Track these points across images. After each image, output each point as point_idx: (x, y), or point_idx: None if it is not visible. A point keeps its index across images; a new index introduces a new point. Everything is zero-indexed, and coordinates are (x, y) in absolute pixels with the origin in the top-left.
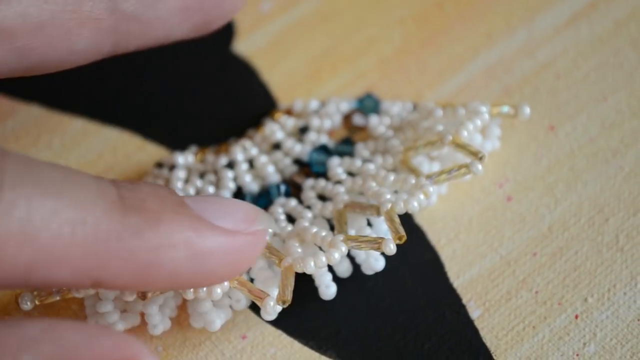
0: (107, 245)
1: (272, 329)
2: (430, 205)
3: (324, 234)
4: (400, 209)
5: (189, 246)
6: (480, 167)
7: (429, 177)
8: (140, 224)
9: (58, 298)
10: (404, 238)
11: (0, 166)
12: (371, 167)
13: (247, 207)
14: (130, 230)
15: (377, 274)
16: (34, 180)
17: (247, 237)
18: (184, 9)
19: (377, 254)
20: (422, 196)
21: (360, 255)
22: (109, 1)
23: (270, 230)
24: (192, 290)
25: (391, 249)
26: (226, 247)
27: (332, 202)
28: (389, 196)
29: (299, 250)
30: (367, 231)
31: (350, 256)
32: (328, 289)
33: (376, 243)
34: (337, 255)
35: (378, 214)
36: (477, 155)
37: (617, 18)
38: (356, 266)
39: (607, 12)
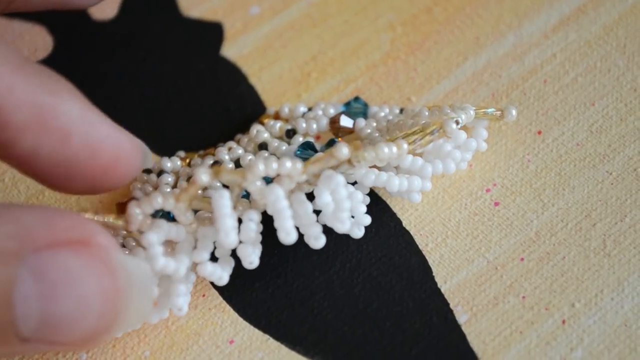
0: (10, 71)
1: (259, 334)
2: (414, 200)
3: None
4: (370, 154)
5: (81, 111)
6: (454, 125)
7: (401, 137)
8: (42, 72)
9: None
10: (360, 146)
11: None
12: None
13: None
14: (31, 70)
15: (364, 278)
16: None
17: (132, 138)
18: None
19: (343, 196)
20: (394, 147)
21: (328, 208)
22: None
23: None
24: None
25: (343, 152)
26: (115, 133)
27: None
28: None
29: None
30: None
31: (344, 258)
32: (288, 235)
33: (331, 153)
34: (289, 163)
35: (348, 161)
36: (452, 118)
37: (605, 23)
38: (344, 271)
39: (595, 18)
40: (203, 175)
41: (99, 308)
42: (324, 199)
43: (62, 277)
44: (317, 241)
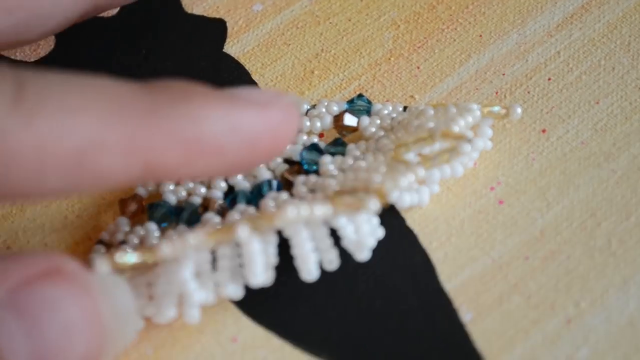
0: (144, 123)
1: (262, 332)
2: (423, 203)
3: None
4: (389, 186)
5: (227, 117)
6: (468, 147)
7: (417, 164)
8: (171, 101)
9: None
10: (387, 200)
11: (16, 76)
12: (362, 164)
13: (272, 90)
14: (163, 106)
15: (368, 277)
16: (53, 83)
17: (280, 109)
18: None
19: (367, 231)
20: (412, 177)
21: (350, 237)
22: None
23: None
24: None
25: (372, 206)
26: (263, 118)
27: (322, 192)
28: (379, 179)
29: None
30: (350, 229)
31: (346, 257)
32: (309, 272)
33: (359, 202)
34: (319, 211)
35: (367, 191)
36: (463, 138)
37: (609, 21)
38: (347, 269)
39: (599, 16)
40: (242, 231)
41: (85, 331)
42: (347, 230)
43: (43, 308)
44: (332, 265)
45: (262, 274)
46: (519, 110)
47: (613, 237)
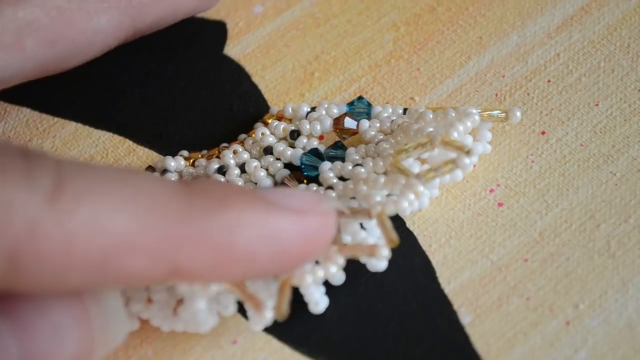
0: (178, 227)
1: (262, 335)
2: (423, 207)
3: None
4: (391, 210)
5: (262, 225)
6: (467, 160)
7: (418, 176)
8: (208, 205)
9: None
10: (397, 242)
11: (57, 169)
12: (362, 170)
13: (310, 192)
14: (199, 210)
15: (368, 279)
16: (92, 179)
17: (317, 216)
18: None
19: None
20: (412, 196)
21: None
22: None
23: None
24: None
25: (384, 255)
26: (299, 226)
27: None
28: (379, 198)
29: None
30: (362, 235)
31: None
32: (317, 306)
33: (370, 250)
34: (335, 269)
35: (369, 217)
36: (463, 150)
37: (609, 23)
38: (348, 272)
39: (599, 18)
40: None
41: (74, 332)
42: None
43: (33, 310)
44: (337, 283)
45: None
46: (519, 113)
47: (612, 239)
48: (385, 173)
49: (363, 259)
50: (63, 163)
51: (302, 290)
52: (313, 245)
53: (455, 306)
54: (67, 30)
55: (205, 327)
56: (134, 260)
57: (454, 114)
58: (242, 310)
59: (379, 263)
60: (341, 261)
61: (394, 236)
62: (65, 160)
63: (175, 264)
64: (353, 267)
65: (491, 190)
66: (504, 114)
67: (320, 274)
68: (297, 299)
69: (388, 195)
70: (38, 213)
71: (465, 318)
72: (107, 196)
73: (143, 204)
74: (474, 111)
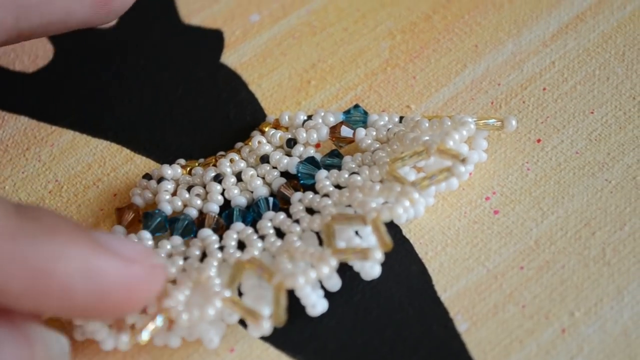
0: (3, 243)
1: (259, 342)
2: (418, 215)
3: (312, 250)
4: (386, 216)
5: (83, 261)
6: (463, 169)
7: (413, 184)
8: (35, 230)
9: None
10: (390, 246)
11: None
12: (358, 179)
13: (143, 245)
14: (25, 233)
15: (364, 287)
16: None
17: (144, 268)
18: None
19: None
20: (407, 203)
21: (356, 264)
22: None
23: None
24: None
25: (377, 258)
26: (122, 272)
27: (320, 216)
28: (374, 205)
29: (289, 266)
30: (356, 241)
31: (341, 267)
32: (314, 309)
33: (363, 254)
34: (327, 270)
35: (364, 223)
36: (458, 158)
37: (604, 31)
38: (344, 279)
39: (594, 26)
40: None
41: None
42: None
43: None
44: (334, 289)
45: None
46: (514, 122)
47: (607, 246)
48: (381, 181)
49: (357, 267)
50: None
51: (298, 293)
52: (135, 294)
53: (452, 314)
54: None
55: (215, 343)
56: None
57: (449, 123)
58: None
59: (372, 270)
60: (334, 263)
61: (388, 240)
62: None
63: None
64: (349, 275)
65: (487, 198)
66: (499, 123)
67: (313, 275)
68: (295, 307)
69: (384, 203)
70: None
71: (462, 326)
72: None
73: None
74: (470, 120)
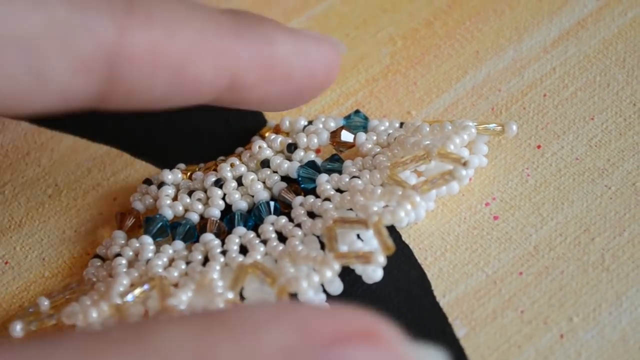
0: (231, 39)
1: None
2: (419, 219)
3: (314, 254)
4: (388, 220)
5: (294, 43)
6: (464, 172)
7: (414, 187)
8: (251, 24)
9: (53, 322)
10: (392, 249)
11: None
12: (359, 182)
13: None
14: (245, 28)
15: (363, 291)
16: (161, 2)
17: (332, 45)
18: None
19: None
20: (408, 206)
21: (358, 267)
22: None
23: None
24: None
25: (380, 262)
26: (322, 49)
27: (321, 219)
28: (375, 208)
29: (292, 270)
30: (358, 245)
31: (342, 271)
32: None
33: (365, 257)
34: (329, 274)
35: (366, 227)
36: (460, 162)
37: (605, 38)
38: (343, 283)
39: (595, 32)
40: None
41: None
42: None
43: None
44: (336, 292)
45: None
46: (515, 127)
47: (606, 252)
48: (382, 185)
49: (359, 270)
50: None
51: (301, 297)
52: (330, 71)
53: (450, 319)
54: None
55: None
56: (203, 68)
57: (450, 127)
58: None
59: (374, 273)
60: (337, 267)
61: (390, 244)
62: None
63: (233, 75)
64: (348, 280)
65: (487, 204)
66: (500, 128)
67: (316, 279)
68: None
69: (385, 206)
70: (124, 21)
71: (460, 331)
72: (174, 8)
73: (204, 19)
74: (471, 124)
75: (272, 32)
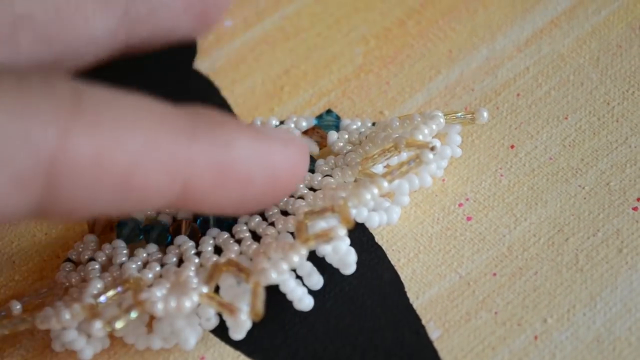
0: (186, 143)
1: (230, 350)
2: (392, 222)
3: (282, 243)
4: (354, 203)
5: (256, 147)
6: (431, 155)
7: (384, 176)
8: (210, 125)
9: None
10: (352, 223)
11: (74, 89)
12: (331, 181)
13: (284, 129)
14: (203, 129)
15: (336, 293)
16: (107, 100)
17: (298, 147)
18: None
19: (345, 251)
20: (375, 190)
21: (331, 256)
22: None
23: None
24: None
25: (340, 234)
26: (286, 153)
27: (294, 216)
28: (343, 194)
29: (266, 265)
30: (322, 225)
31: (318, 270)
32: (301, 302)
33: (327, 234)
34: (296, 258)
35: (333, 211)
36: (427, 146)
37: (578, 36)
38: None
39: (568, 31)
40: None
41: None
42: (327, 250)
43: None
44: (317, 287)
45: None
46: (485, 114)
47: (580, 252)
48: (355, 181)
49: (331, 259)
50: (77, 82)
51: (283, 289)
52: (295, 175)
53: (424, 321)
54: (62, 31)
55: (190, 344)
56: (153, 175)
57: (419, 119)
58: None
59: (347, 258)
60: (304, 251)
61: (351, 219)
62: (79, 82)
63: (186, 181)
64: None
65: (460, 204)
66: (470, 115)
67: (284, 266)
68: (266, 315)
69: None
70: (68, 124)
71: (434, 333)
72: (123, 111)
73: (156, 122)
74: (440, 114)
75: (232, 134)
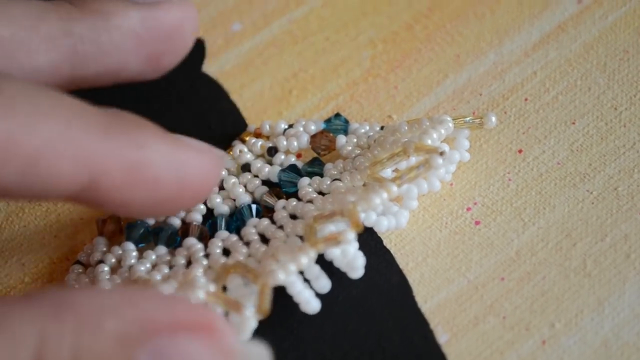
0: (96, 140)
1: None
2: (400, 226)
3: (291, 246)
4: (363, 206)
5: (169, 152)
6: (440, 160)
7: (392, 180)
8: (125, 125)
9: None
10: (361, 227)
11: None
12: (340, 185)
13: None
14: (117, 128)
15: (344, 297)
16: (24, 90)
17: (213, 157)
18: (136, 35)
19: (353, 254)
20: (384, 194)
21: (339, 260)
22: (63, 24)
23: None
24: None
25: (349, 238)
26: (199, 161)
27: (303, 220)
28: (352, 199)
29: (274, 267)
30: (331, 228)
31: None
32: (308, 305)
33: (335, 238)
34: (305, 260)
35: (342, 215)
36: (436, 151)
37: (586, 41)
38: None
39: (576, 36)
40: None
41: None
42: (335, 254)
43: None
44: (324, 290)
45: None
46: (494, 118)
47: (588, 257)
48: (364, 186)
49: (339, 263)
50: None
51: (290, 291)
52: (205, 184)
53: (432, 325)
54: (5, 63)
55: None
56: (58, 163)
57: (428, 123)
58: None
59: (354, 262)
60: (312, 253)
61: (361, 223)
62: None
63: (92, 175)
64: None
65: (468, 209)
66: (478, 120)
67: (292, 267)
68: (274, 318)
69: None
70: None
71: (442, 337)
72: (38, 105)
73: (70, 114)
74: (448, 118)
75: (147, 136)
